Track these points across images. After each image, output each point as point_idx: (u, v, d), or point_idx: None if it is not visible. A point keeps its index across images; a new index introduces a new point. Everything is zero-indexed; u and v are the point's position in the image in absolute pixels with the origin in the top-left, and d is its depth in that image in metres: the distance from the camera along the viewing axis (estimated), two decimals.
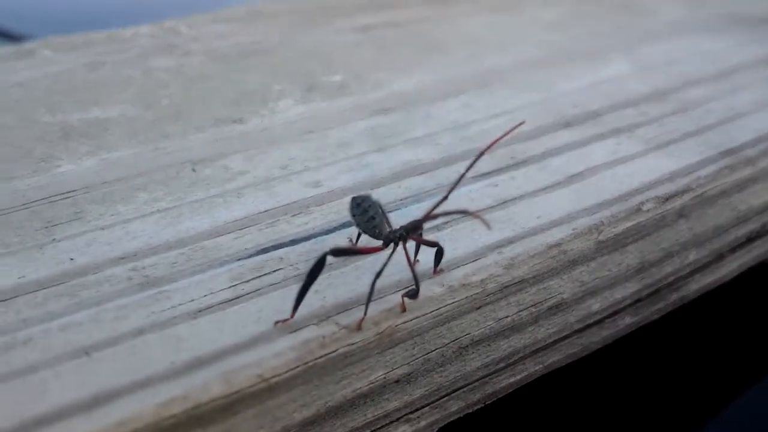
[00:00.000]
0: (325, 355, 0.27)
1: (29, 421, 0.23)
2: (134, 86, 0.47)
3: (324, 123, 0.43)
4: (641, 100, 0.48)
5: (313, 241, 0.32)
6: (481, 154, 0.29)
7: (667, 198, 0.37)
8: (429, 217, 0.28)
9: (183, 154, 0.39)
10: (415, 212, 0.34)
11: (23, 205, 0.34)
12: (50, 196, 0.35)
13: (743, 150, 0.42)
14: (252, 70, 0.50)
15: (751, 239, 0.42)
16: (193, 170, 0.37)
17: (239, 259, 0.31)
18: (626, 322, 0.38)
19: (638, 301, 0.38)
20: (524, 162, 0.39)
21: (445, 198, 0.28)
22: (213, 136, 0.41)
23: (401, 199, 0.36)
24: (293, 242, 0.32)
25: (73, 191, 0.35)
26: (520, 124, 0.31)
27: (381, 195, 0.36)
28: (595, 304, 0.36)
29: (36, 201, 0.34)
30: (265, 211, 0.34)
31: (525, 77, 0.51)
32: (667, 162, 0.40)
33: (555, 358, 0.35)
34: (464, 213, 0.26)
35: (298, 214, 0.34)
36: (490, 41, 0.58)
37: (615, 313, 0.37)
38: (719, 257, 0.41)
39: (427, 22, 0.62)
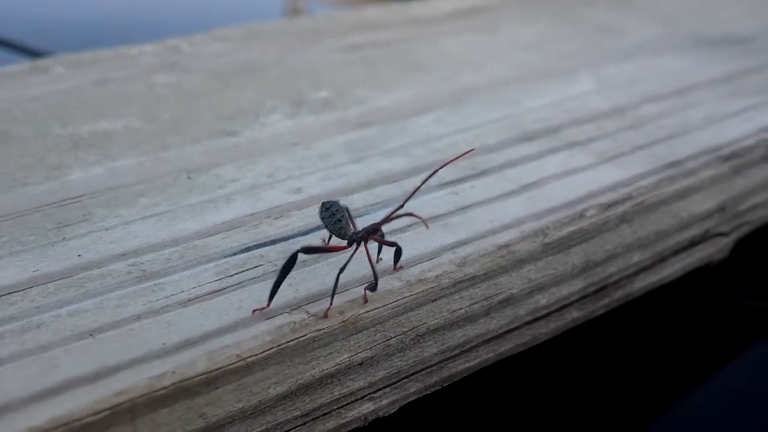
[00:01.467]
0: (296, 338, 0.31)
1: (43, 391, 0.28)
2: (138, 101, 0.52)
3: (308, 136, 0.48)
4: (600, 116, 0.52)
5: (291, 241, 0.37)
6: (434, 172, 0.33)
7: (610, 205, 0.42)
8: (386, 220, 0.33)
9: (180, 164, 0.44)
10: (380, 217, 0.39)
11: (37, 208, 0.39)
12: (61, 201, 0.39)
13: (686, 162, 0.46)
14: (247, 86, 0.55)
15: (694, 243, 0.47)
16: (189, 178, 0.42)
17: (225, 257, 0.36)
18: (573, 315, 0.42)
19: (584, 297, 0.42)
20: (484, 172, 0.44)
21: (401, 206, 0.33)
22: (208, 147, 0.46)
23: (371, 205, 0.40)
24: (273, 242, 0.37)
25: (82, 196, 0.40)
26: (470, 150, 0.35)
27: (354, 201, 0.40)
28: (543, 299, 0.40)
29: (48, 204, 0.39)
30: (251, 214, 0.39)
31: (496, 95, 0.55)
32: (613, 172, 0.44)
33: (506, 346, 0.40)
34: (410, 215, 0.31)
35: (280, 217, 0.39)
36: (468, 61, 0.63)
37: (562, 307, 0.41)
38: (662, 259, 0.45)
39: (412, 42, 0.67)
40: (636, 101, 0.55)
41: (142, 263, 0.35)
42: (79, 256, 0.35)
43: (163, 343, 0.30)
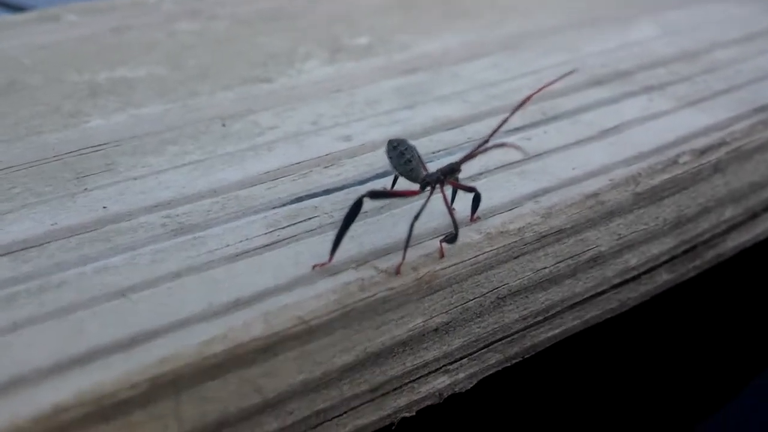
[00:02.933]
0: (365, 299, 0.26)
1: (67, 361, 0.23)
2: (160, 48, 0.46)
3: (351, 82, 0.43)
4: (671, 60, 0.47)
5: (346, 191, 0.32)
6: (529, 97, 0.28)
7: (703, 151, 0.37)
8: (468, 157, 0.27)
9: (212, 111, 0.39)
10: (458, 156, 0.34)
11: (54, 156, 0.34)
12: (80, 149, 0.34)
13: None
14: (277, 33, 0.50)
15: None
16: (223, 125, 0.37)
17: (274, 208, 0.31)
18: (663, 278, 0.37)
19: (674, 257, 0.37)
20: (556, 117, 0.39)
21: (487, 140, 0.28)
22: (241, 94, 0.41)
23: (433, 152, 0.35)
24: (327, 192, 0.32)
25: (104, 144, 0.35)
26: (572, 72, 0.30)
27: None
28: (632, 259, 0.35)
29: (67, 153, 0.34)
30: (297, 163, 0.34)
31: (551, 40, 0.50)
32: (701, 117, 0.39)
33: (593, 312, 0.35)
34: (501, 146, 0.26)
35: (331, 165, 0.34)
36: (515, 7, 0.57)
37: (652, 269, 0.36)
38: (754, 215, 0.40)
39: None
40: (705, 46, 0.50)
41: (177, 215, 0.30)
42: (105, 207, 0.30)
43: (210, 303, 0.25)
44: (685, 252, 0.38)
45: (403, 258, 0.27)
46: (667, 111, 0.40)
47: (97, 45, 0.47)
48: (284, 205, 0.31)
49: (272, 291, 0.26)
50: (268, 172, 0.33)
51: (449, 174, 0.28)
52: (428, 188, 0.29)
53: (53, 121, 0.37)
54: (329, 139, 0.36)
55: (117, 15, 0.52)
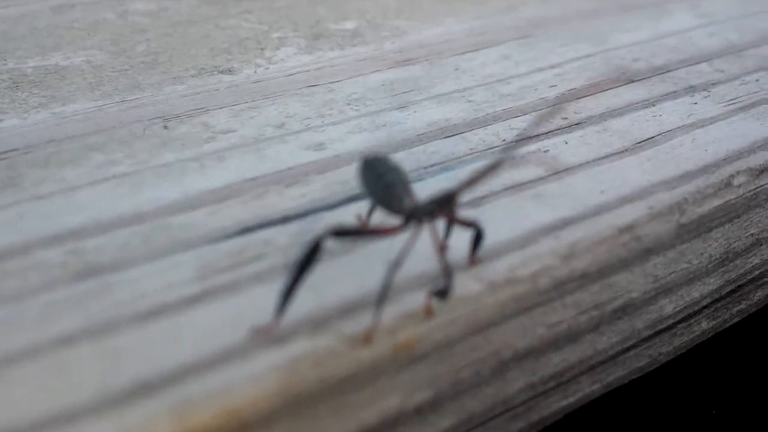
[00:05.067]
0: (322, 378, 0.19)
1: None
2: (106, 30, 0.39)
3: (331, 76, 0.35)
4: (714, 55, 0.40)
5: (310, 218, 0.25)
6: (558, 105, 0.21)
7: (762, 170, 0.29)
8: (470, 183, 0.20)
9: (154, 108, 0.31)
10: (445, 183, 0.27)
11: None
12: None
13: None
14: (249, 14, 0.43)
15: None
16: (165, 127, 0.30)
17: (213, 242, 0.23)
18: (702, 327, 0.30)
19: (717, 300, 0.30)
20: (580, 124, 0.31)
21: (499, 163, 0.20)
22: (194, 88, 0.33)
23: (425, 167, 0.28)
24: (284, 220, 0.25)
25: (12, 151, 0.28)
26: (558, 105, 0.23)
27: (402, 161, 0.28)
28: (668, 306, 0.28)
29: None
30: (252, 179, 0.27)
31: (573, 28, 0.43)
32: (755, 127, 0.32)
33: (618, 373, 0.28)
34: (522, 160, 0.19)
35: (294, 183, 0.27)
36: None
37: (690, 316, 0.29)
38: None
39: None
40: (754, 39, 0.42)
41: (85, 250, 0.23)
42: None
43: (104, 386, 0.18)
44: (730, 293, 0.30)
45: (377, 320, 0.20)
46: (714, 117, 0.33)
47: (32, 26, 0.40)
48: (227, 238, 0.24)
49: (191, 369, 0.19)
50: (213, 190, 0.26)
51: (444, 205, 0.21)
52: (413, 223, 0.21)
53: None
54: (296, 147, 0.29)
55: None
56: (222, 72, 0.35)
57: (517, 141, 0.20)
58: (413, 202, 0.21)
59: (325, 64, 0.37)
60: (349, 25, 0.42)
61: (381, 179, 0.21)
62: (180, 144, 0.29)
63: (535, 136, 0.30)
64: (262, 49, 0.38)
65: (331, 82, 0.35)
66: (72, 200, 0.25)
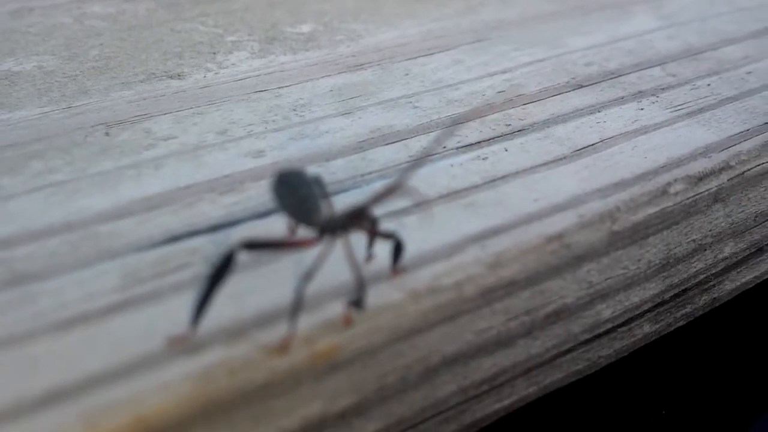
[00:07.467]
0: (237, 387, 0.20)
1: None
2: (60, 35, 0.39)
3: (281, 81, 0.36)
4: (669, 58, 0.40)
5: (239, 227, 0.25)
6: (455, 126, 0.21)
7: (701, 177, 0.29)
8: (377, 199, 0.20)
9: (98, 115, 0.31)
10: (371, 193, 0.27)
11: None
12: None
13: None
14: (205, 18, 0.43)
15: None
16: (107, 134, 0.30)
17: (138, 251, 0.24)
18: (645, 331, 0.30)
19: (660, 304, 0.30)
20: (522, 130, 0.32)
21: (400, 179, 0.20)
22: (141, 93, 0.34)
23: (362, 175, 0.28)
24: (213, 229, 0.25)
25: None
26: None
27: (337, 169, 0.28)
28: (606, 311, 0.28)
29: None
30: (186, 187, 0.27)
31: (530, 32, 0.43)
32: (699, 133, 0.32)
33: (555, 376, 0.28)
34: (407, 193, 0.19)
35: (228, 191, 0.27)
36: None
37: (631, 320, 0.30)
38: (759, 250, 0.33)
39: None
40: (711, 42, 0.42)
41: (14, 259, 0.23)
42: None
43: (20, 396, 0.18)
44: (673, 297, 0.31)
45: (292, 329, 0.21)
46: (659, 124, 0.33)
47: None
48: (153, 247, 0.24)
49: (104, 377, 0.19)
50: (145, 199, 0.26)
51: (355, 219, 0.21)
52: (328, 235, 0.22)
53: None
54: (235, 154, 0.29)
55: None
56: (171, 77, 0.35)
57: (419, 159, 0.20)
58: (327, 215, 0.22)
59: (276, 69, 0.37)
60: (305, 28, 0.42)
61: (295, 193, 0.21)
62: (119, 151, 0.29)
63: (477, 142, 0.31)
64: (214, 53, 0.38)
65: (279, 87, 0.35)
66: (5, 209, 0.25)
